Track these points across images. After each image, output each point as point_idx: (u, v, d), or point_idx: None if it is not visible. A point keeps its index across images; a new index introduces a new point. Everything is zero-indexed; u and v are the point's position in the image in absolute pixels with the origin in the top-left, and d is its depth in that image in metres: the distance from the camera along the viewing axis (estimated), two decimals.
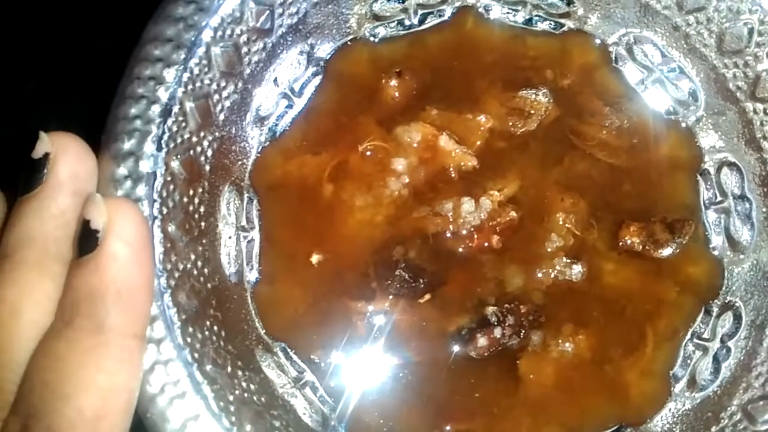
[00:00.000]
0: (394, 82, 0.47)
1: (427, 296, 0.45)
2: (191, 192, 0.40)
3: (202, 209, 0.41)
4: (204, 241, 0.41)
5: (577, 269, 0.45)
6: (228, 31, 0.41)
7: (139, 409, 0.35)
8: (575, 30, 0.48)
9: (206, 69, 0.40)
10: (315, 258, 0.45)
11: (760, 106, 0.44)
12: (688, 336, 0.45)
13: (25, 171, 0.34)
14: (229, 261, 0.43)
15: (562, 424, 0.44)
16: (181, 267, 0.38)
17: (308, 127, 0.47)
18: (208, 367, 0.37)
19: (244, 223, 0.44)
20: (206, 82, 0.40)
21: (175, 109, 0.39)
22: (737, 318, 0.44)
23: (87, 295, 0.32)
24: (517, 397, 0.44)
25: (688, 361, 0.45)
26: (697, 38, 0.45)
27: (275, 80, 0.45)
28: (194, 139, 0.40)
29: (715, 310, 0.45)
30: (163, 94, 0.38)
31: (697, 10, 0.45)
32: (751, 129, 0.45)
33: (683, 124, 0.47)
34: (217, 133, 0.42)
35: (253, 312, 0.44)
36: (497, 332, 0.43)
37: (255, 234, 0.45)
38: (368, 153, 0.46)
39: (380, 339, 0.44)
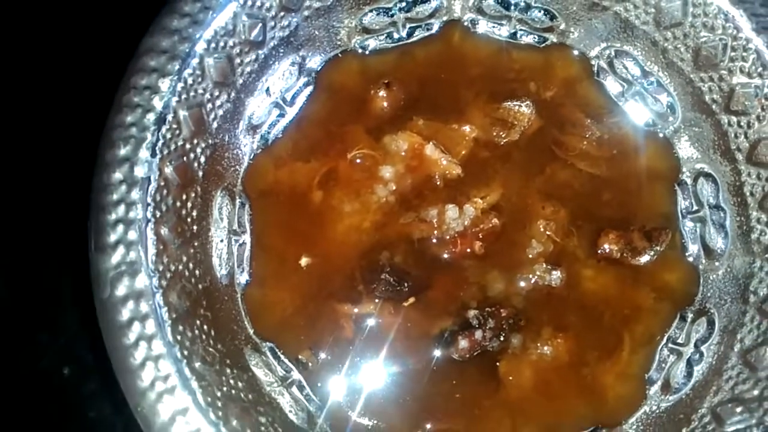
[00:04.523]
0: (382, 93, 0.49)
1: (412, 299, 0.46)
2: (184, 196, 0.42)
3: (194, 213, 0.43)
4: (196, 243, 0.43)
5: (557, 275, 0.46)
6: (221, 43, 0.43)
7: (130, 402, 0.37)
8: (558, 44, 0.50)
9: (200, 79, 0.42)
10: (304, 261, 0.47)
11: (734, 119, 0.46)
12: (664, 341, 0.47)
13: None
14: (220, 263, 0.45)
15: (540, 424, 0.45)
16: (172, 268, 0.40)
17: (299, 135, 0.49)
18: (197, 364, 0.39)
19: (235, 227, 0.46)
20: (200, 91, 0.42)
21: (169, 117, 0.40)
22: (711, 324, 0.46)
23: None
24: (497, 398, 0.45)
25: (663, 365, 0.46)
26: (675, 53, 0.47)
27: (267, 90, 0.47)
28: (188, 146, 0.42)
29: (690, 315, 0.47)
30: (157, 103, 0.40)
31: (674, 26, 0.46)
32: (726, 140, 0.46)
33: (661, 136, 0.49)
34: (210, 141, 0.44)
35: (243, 313, 0.45)
36: (478, 335, 0.45)
37: (246, 238, 0.47)
38: (357, 161, 0.48)
39: (366, 340, 0.46)
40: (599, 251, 0.47)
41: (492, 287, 0.46)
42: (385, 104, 0.49)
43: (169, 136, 0.40)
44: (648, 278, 0.47)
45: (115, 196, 0.38)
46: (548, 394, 0.46)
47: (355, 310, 0.46)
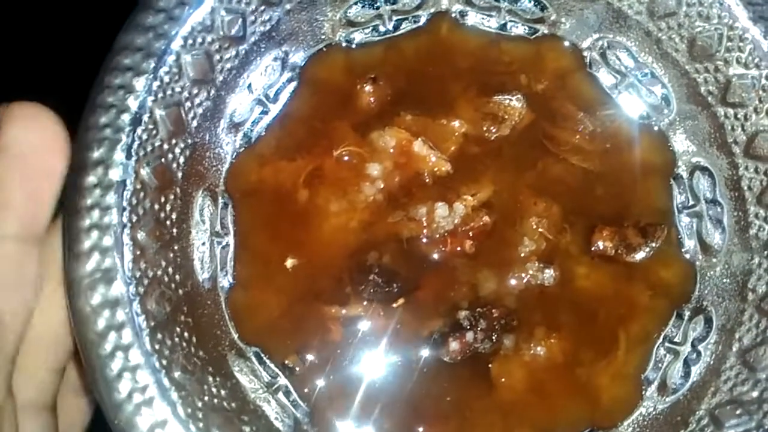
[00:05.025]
0: (369, 88, 0.48)
1: (401, 301, 0.45)
2: (162, 199, 0.41)
3: (174, 216, 0.42)
4: (176, 247, 0.41)
5: (550, 273, 0.45)
6: (199, 40, 0.41)
7: (106, 415, 0.35)
8: (549, 35, 0.49)
9: (177, 77, 0.40)
10: (290, 263, 0.46)
11: (730, 111, 0.44)
12: (660, 340, 0.45)
13: None
14: (202, 267, 0.44)
15: (534, 427, 0.44)
16: (150, 274, 0.39)
17: (283, 132, 0.47)
18: (177, 374, 0.37)
19: (218, 228, 0.45)
20: (177, 90, 0.41)
21: (145, 117, 0.39)
22: (708, 322, 0.44)
23: None
24: (490, 401, 0.44)
25: (660, 365, 0.45)
26: (669, 44, 0.45)
27: (249, 87, 0.46)
28: (165, 146, 0.41)
29: (687, 314, 0.45)
30: (132, 103, 0.39)
31: (668, 16, 0.45)
32: (722, 133, 0.45)
33: (656, 129, 0.48)
34: (189, 140, 0.42)
35: (226, 317, 0.44)
36: (469, 336, 0.44)
37: (229, 239, 0.45)
38: (343, 158, 0.47)
39: (354, 343, 0.45)
40: (593, 248, 0.46)
41: (483, 287, 0.45)
42: (372, 99, 0.48)
43: (145, 137, 0.39)
44: (643, 275, 0.46)
45: (89, 201, 0.37)
46: (542, 396, 0.45)
47: (343, 312, 0.45)
